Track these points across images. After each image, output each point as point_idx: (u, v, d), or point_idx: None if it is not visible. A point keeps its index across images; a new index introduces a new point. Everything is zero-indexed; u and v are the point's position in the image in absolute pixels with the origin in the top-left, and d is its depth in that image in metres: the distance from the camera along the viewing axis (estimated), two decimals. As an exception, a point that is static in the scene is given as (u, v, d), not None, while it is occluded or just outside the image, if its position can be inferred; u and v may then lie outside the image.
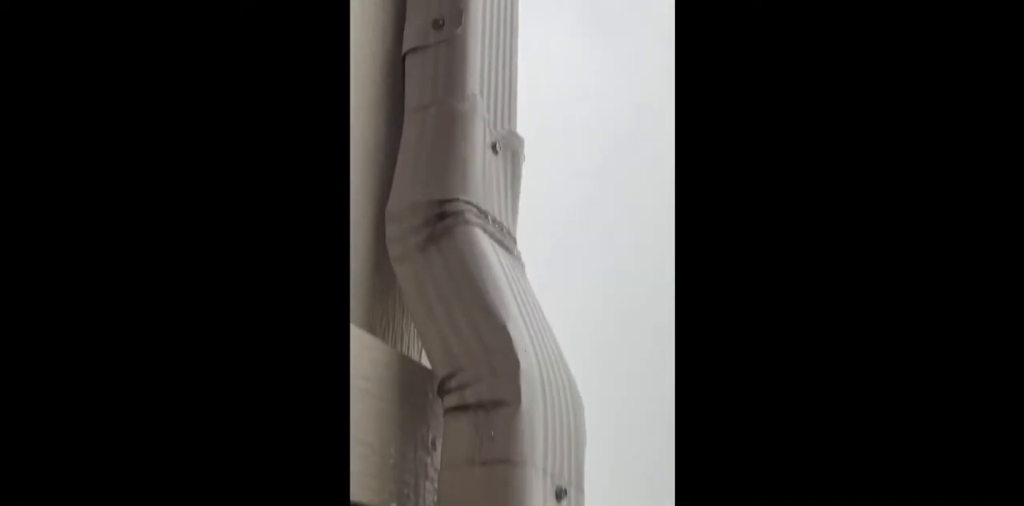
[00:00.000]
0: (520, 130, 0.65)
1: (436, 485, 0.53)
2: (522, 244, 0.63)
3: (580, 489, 0.54)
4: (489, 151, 0.61)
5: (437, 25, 0.62)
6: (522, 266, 0.62)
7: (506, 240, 0.60)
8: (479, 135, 0.60)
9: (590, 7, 1.04)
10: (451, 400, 0.53)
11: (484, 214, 0.59)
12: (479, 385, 0.52)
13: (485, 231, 0.58)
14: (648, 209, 1.03)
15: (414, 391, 0.56)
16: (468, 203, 0.58)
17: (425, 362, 0.58)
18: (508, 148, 0.63)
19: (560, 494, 0.52)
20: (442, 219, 0.57)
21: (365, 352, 0.52)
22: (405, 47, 0.63)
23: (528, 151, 0.65)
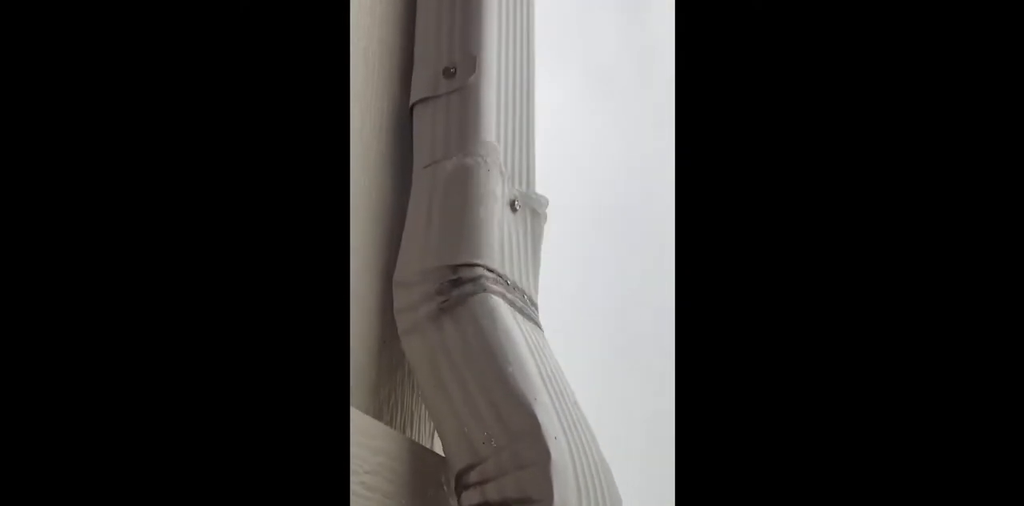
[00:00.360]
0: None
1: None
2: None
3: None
4: (507, 209, 0.55)
5: (448, 73, 0.56)
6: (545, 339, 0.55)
7: (528, 309, 0.54)
8: (496, 192, 0.54)
9: (595, 71, 1.02)
10: (471, 498, 0.46)
11: (503, 280, 0.52)
12: (504, 480, 0.45)
13: (505, 299, 0.52)
14: (649, 272, 0.99)
15: (426, 483, 0.49)
16: (486, 268, 0.51)
17: (438, 448, 0.51)
18: (528, 206, 0.57)
19: None
20: (457, 286, 0.50)
21: (369, 441, 0.45)
22: (413, 98, 0.57)
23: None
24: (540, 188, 0.61)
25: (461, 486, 0.46)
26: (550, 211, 0.59)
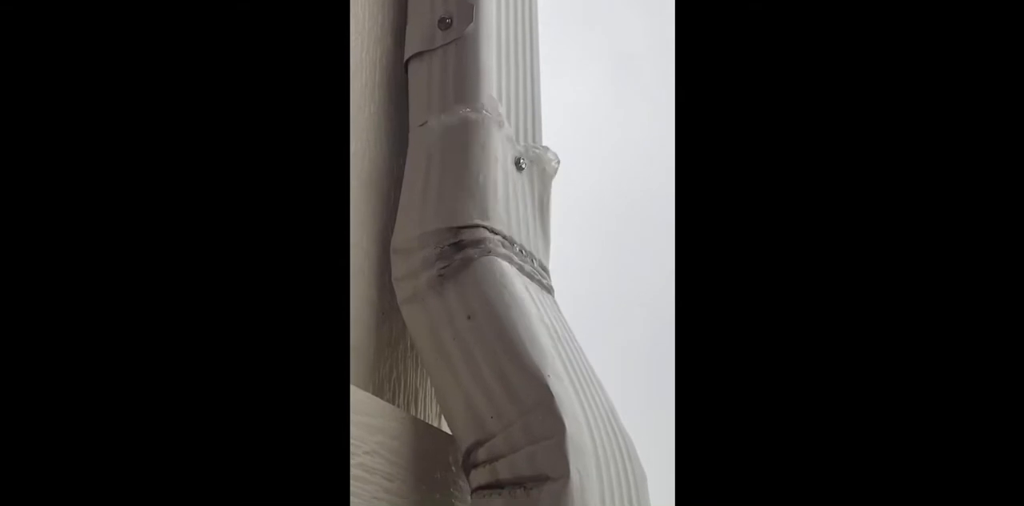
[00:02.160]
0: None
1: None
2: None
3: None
4: (512, 167, 0.51)
5: (444, 24, 0.52)
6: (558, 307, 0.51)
7: (538, 274, 0.49)
8: (499, 148, 0.49)
9: (619, 60, 1.00)
10: (480, 476, 0.42)
11: (510, 242, 0.48)
12: (515, 456, 0.41)
13: (512, 263, 0.47)
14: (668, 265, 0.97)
15: (434, 465, 0.45)
16: (490, 229, 0.47)
17: (446, 428, 0.47)
18: (535, 164, 0.53)
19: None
20: (459, 250, 0.46)
21: (366, 419, 0.41)
22: (408, 52, 0.53)
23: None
24: (565, 180, 0.57)
25: (469, 465, 0.42)
26: (575, 200, 0.55)
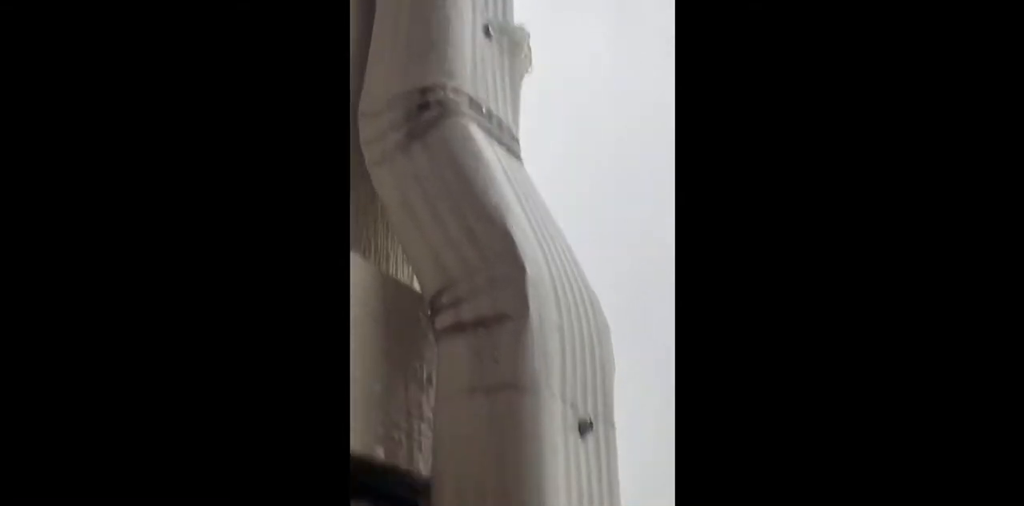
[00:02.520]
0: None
1: (432, 425, 0.43)
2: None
3: (610, 423, 0.44)
4: (480, 33, 0.51)
5: None
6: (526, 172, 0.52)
7: (505, 137, 0.50)
8: (466, 11, 0.50)
9: (620, 6, 0.98)
10: (444, 320, 0.43)
11: (477, 105, 0.49)
12: (477, 299, 0.42)
13: (479, 125, 0.48)
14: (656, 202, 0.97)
15: (403, 318, 0.46)
16: (456, 91, 0.48)
17: (417, 287, 0.48)
18: (505, 35, 0.53)
19: (584, 427, 0.42)
20: (425, 110, 0.47)
21: (336, 267, 0.42)
22: (373, -83, 0.53)
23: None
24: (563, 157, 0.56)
25: (435, 310, 0.44)
26: (584, 144, 0.55)
